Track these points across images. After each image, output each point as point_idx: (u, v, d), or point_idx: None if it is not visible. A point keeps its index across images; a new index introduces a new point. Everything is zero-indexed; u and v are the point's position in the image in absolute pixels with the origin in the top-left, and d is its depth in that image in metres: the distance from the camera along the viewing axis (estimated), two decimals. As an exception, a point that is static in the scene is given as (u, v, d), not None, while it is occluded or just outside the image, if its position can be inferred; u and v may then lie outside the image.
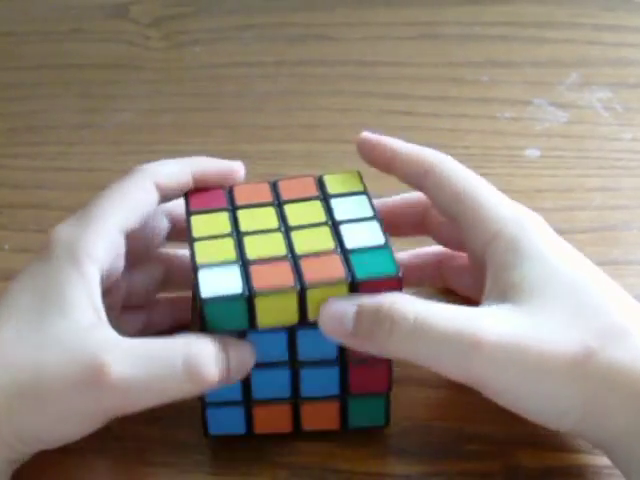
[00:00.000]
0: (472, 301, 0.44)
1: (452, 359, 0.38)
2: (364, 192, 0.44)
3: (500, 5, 0.72)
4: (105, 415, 0.39)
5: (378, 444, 0.44)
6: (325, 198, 0.43)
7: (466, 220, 0.42)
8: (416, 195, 0.46)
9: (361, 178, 0.45)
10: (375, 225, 0.41)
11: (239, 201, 0.44)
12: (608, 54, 0.67)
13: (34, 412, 0.38)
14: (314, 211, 0.43)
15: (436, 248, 0.48)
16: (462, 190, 0.43)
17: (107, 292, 0.42)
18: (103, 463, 0.44)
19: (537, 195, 0.57)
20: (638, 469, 0.37)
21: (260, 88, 0.66)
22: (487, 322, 0.38)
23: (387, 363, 0.41)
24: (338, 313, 0.39)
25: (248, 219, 0.43)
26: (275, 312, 0.39)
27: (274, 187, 0.45)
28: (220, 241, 0.41)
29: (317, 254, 0.40)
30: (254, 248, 0.41)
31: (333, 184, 0.44)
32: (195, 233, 0.42)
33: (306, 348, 0.41)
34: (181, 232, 0.45)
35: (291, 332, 0.40)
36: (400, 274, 0.39)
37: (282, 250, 0.40)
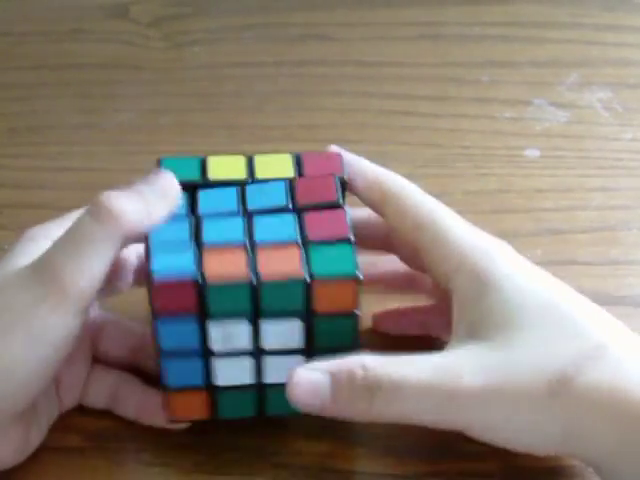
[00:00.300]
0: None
1: (433, 413, 0.38)
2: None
3: (500, 5, 0.72)
4: (63, 309, 0.39)
5: (378, 444, 0.44)
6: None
7: (428, 251, 0.42)
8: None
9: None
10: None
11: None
12: (608, 54, 0.67)
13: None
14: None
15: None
16: (423, 220, 0.42)
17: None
18: (103, 463, 0.44)
19: (537, 195, 0.57)
20: None
21: (260, 88, 0.66)
22: (460, 369, 0.38)
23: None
24: (311, 387, 0.38)
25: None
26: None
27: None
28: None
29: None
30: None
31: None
32: None
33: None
34: None
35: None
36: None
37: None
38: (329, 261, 0.39)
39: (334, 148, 0.44)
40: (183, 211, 0.42)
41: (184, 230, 0.41)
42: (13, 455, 0.41)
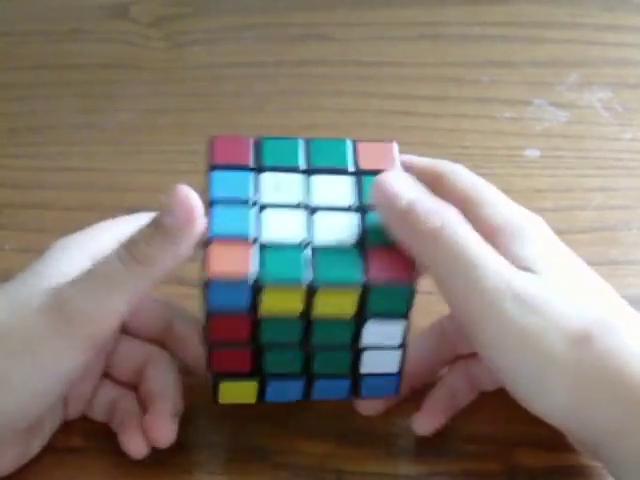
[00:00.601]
0: None
1: (475, 289, 0.38)
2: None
3: (500, 5, 0.72)
4: (82, 334, 0.39)
5: (378, 444, 0.44)
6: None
7: (471, 219, 0.42)
8: None
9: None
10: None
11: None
12: (608, 54, 0.67)
13: (10, 351, 0.39)
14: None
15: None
16: (469, 193, 0.43)
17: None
18: (103, 463, 0.44)
19: (537, 195, 0.57)
20: (629, 469, 0.37)
21: (260, 88, 0.66)
22: (515, 268, 0.39)
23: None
24: (394, 190, 0.39)
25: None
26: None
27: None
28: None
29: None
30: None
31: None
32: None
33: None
34: None
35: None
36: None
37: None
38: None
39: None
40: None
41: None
42: (12, 464, 0.42)
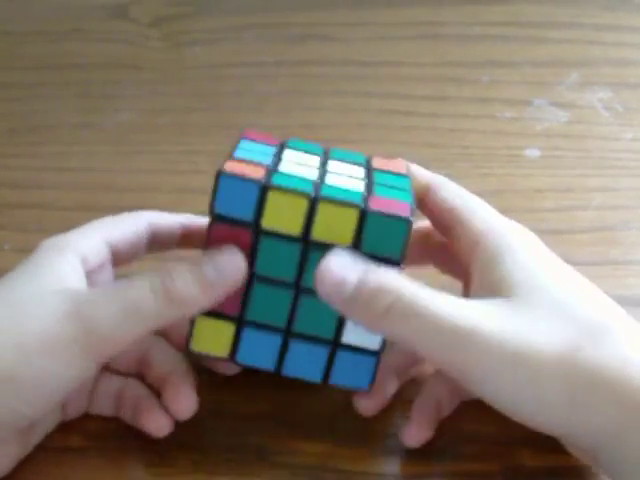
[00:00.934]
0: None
1: (444, 345, 0.38)
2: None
3: (500, 5, 0.72)
4: (86, 351, 0.40)
5: (378, 444, 0.44)
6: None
7: (457, 229, 0.43)
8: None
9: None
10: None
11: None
12: (608, 54, 0.67)
13: (11, 349, 0.39)
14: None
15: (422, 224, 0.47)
16: (458, 205, 0.43)
17: None
18: (103, 463, 0.44)
19: (537, 195, 0.57)
20: (629, 471, 0.37)
21: (260, 88, 0.66)
22: (480, 314, 0.38)
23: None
24: (339, 277, 0.39)
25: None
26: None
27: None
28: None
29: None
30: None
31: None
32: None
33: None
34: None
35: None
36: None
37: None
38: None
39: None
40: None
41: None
42: (11, 463, 0.42)
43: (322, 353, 0.43)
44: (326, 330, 0.42)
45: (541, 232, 0.43)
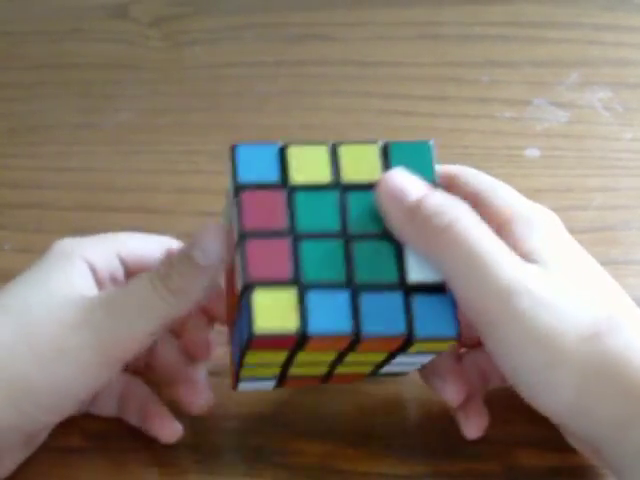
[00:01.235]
0: None
1: (481, 289, 0.38)
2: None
3: (500, 5, 0.72)
4: (100, 359, 0.40)
5: (378, 444, 0.44)
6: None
7: (481, 211, 0.41)
8: None
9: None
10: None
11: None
12: (608, 54, 0.67)
13: (26, 356, 0.39)
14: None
15: None
16: (480, 188, 0.43)
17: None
18: (103, 463, 0.44)
19: (537, 195, 0.56)
20: (630, 464, 0.37)
21: (260, 88, 0.66)
22: (524, 277, 0.38)
23: None
24: (402, 186, 0.39)
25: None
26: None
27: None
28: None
29: None
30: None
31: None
32: None
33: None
34: None
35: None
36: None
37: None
38: None
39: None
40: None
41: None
42: (12, 467, 0.42)
43: (396, 300, 0.39)
44: (389, 273, 0.39)
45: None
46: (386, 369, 0.42)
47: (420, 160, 0.40)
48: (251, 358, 0.39)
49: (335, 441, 0.44)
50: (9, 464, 0.42)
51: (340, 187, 0.40)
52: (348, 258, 0.39)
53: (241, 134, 0.62)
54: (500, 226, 0.40)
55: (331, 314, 0.38)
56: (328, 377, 0.42)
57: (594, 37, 0.69)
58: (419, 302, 0.39)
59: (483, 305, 0.38)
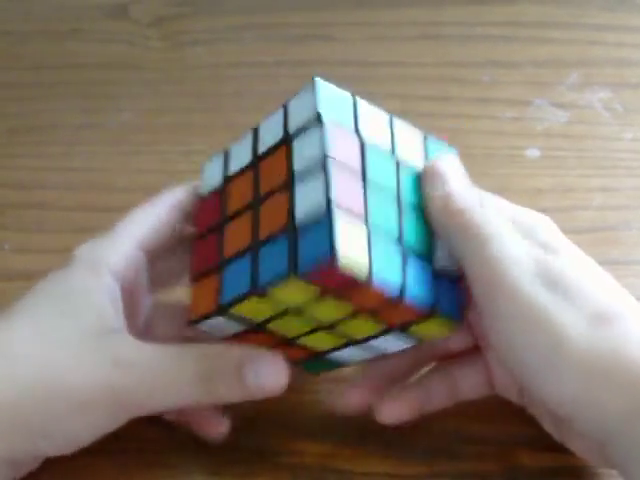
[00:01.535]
0: None
1: (498, 251, 0.39)
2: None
3: (501, 5, 0.72)
4: (119, 416, 0.40)
5: (378, 444, 0.44)
6: None
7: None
8: None
9: None
10: None
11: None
12: (609, 54, 0.67)
13: (44, 407, 0.39)
14: None
15: None
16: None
17: (131, 309, 0.43)
18: (104, 463, 0.44)
19: (537, 195, 0.57)
20: (635, 459, 0.37)
21: (260, 88, 0.66)
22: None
23: None
24: (444, 173, 0.41)
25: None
26: None
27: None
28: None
29: None
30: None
31: None
32: None
33: None
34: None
35: None
36: None
37: None
38: None
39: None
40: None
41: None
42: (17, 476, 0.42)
43: (429, 272, 0.39)
44: (425, 249, 0.40)
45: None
46: (349, 351, 0.42)
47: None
48: (272, 299, 0.38)
49: (335, 441, 0.44)
50: (14, 474, 0.42)
51: (396, 159, 0.41)
52: (400, 221, 0.39)
53: (241, 134, 0.62)
54: None
55: (391, 264, 0.38)
56: (292, 343, 0.42)
57: (595, 37, 0.69)
58: (440, 284, 0.39)
59: (487, 277, 0.39)
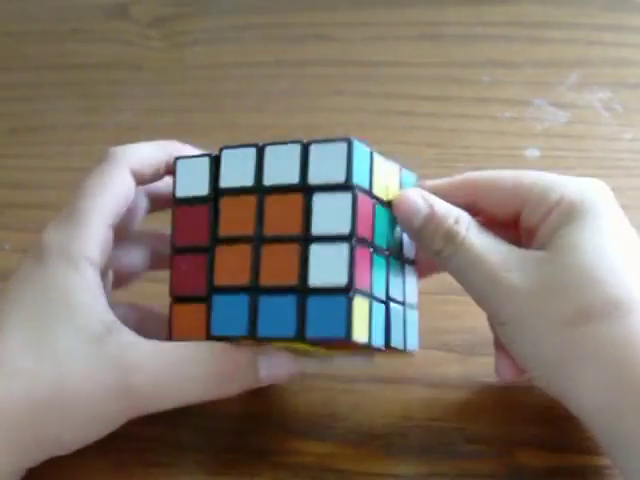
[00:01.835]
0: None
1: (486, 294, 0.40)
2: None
3: (501, 5, 0.72)
4: (129, 416, 0.40)
5: (378, 444, 0.44)
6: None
7: (526, 194, 0.43)
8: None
9: None
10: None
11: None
12: (608, 54, 0.67)
13: (59, 421, 0.39)
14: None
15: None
16: (521, 173, 0.44)
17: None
18: (103, 463, 0.44)
19: (537, 195, 0.57)
20: (624, 444, 0.37)
21: (260, 88, 0.66)
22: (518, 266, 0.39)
23: None
24: (414, 208, 0.41)
25: None
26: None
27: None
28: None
29: None
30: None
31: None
32: None
33: None
34: (161, 204, 0.46)
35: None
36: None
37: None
38: None
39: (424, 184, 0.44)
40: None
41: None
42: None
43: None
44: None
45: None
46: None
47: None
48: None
49: (334, 441, 0.44)
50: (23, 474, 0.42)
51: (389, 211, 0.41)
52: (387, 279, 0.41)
53: (241, 134, 0.62)
54: (546, 212, 0.41)
55: (379, 331, 0.40)
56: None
57: (594, 37, 0.69)
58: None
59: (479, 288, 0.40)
